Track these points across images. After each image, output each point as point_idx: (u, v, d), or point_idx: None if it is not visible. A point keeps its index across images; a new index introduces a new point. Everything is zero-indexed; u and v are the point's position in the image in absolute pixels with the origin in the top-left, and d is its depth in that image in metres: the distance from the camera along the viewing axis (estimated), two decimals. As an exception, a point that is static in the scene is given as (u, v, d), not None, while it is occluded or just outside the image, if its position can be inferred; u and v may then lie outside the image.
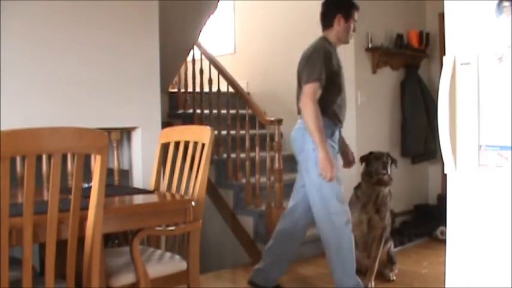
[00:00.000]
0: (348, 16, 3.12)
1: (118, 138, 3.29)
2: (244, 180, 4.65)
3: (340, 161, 3.37)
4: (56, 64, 3.12)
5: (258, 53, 5.93)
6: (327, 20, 3.15)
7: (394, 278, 3.70)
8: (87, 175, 2.04)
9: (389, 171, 3.68)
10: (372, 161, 3.70)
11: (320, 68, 2.98)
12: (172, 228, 2.43)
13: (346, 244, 3.06)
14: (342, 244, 3.05)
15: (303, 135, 3.06)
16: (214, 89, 5.14)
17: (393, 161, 3.76)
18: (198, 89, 5.33)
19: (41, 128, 1.74)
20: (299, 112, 3.16)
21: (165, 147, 2.81)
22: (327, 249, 3.13)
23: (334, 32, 3.14)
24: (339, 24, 3.11)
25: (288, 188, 4.74)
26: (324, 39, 3.15)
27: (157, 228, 2.41)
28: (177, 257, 2.51)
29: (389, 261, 3.76)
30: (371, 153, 3.78)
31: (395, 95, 5.31)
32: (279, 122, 4.36)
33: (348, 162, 3.45)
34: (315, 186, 3.05)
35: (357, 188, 3.78)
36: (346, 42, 3.23)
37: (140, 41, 3.48)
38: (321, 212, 3.07)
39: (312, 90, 2.95)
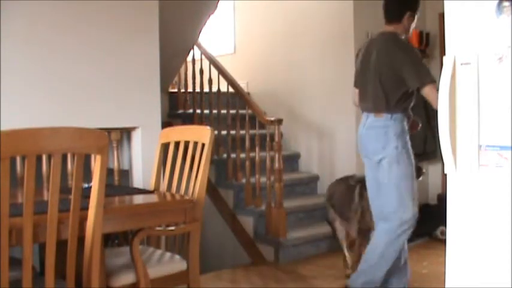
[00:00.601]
0: (414, 12, 3.14)
1: (118, 138, 3.29)
2: (244, 180, 4.65)
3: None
4: (56, 64, 3.12)
5: (258, 53, 5.93)
6: (396, 15, 3.13)
7: None
8: (87, 175, 2.04)
9: None
10: None
11: (426, 66, 2.97)
12: (172, 228, 2.43)
13: (397, 245, 3.06)
14: (393, 244, 3.04)
15: (386, 133, 3.00)
16: (214, 89, 5.14)
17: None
18: (198, 89, 5.33)
19: (41, 128, 1.74)
20: (370, 110, 3.10)
21: (165, 147, 2.81)
22: (376, 242, 3.10)
23: (402, 27, 3.12)
24: (407, 20, 3.11)
25: (288, 188, 4.77)
26: (396, 34, 3.09)
27: (157, 228, 2.42)
28: (177, 257, 2.51)
29: None
30: None
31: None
32: (279, 122, 4.37)
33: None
34: (394, 185, 3.02)
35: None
36: (408, 34, 3.25)
37: (140, 41, 3.48)
38: (393, 209, 3.04)
39: (435, 89, 2.86)
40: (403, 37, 3.13)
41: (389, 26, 3.12)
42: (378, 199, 3.17)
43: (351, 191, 3.68)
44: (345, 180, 3.84)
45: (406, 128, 3.06)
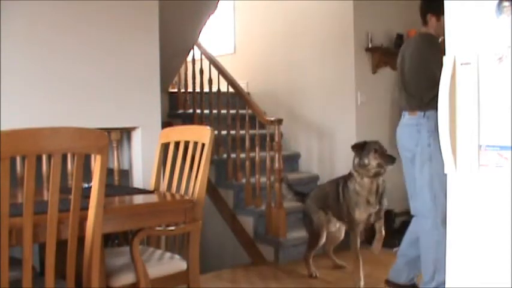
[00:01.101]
0: (439, 14, 3.10)
1: (118, 138, 3.30)
2: (244, 180, 4.65)
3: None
4: (56, 64, 3.12)
5: (258, 53, 5.93)
6: (422, 17, 3.19)
7: None
8: (87, 175, 2.04)
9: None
10: (370, 153, 3.51)
11: None
12: (172, 228, 2.43)
13: (444, 241, 3.03)
14: (441, 241, 2.99)
15: (419, 130, 3.05)
16: (214, 89, 5.14)
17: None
18: (198, 89, 5.33)
19: (41, 128, 1.74)
20: (405, 108, 3.15)
21: (165, 147, 2.81)
22: (424, 245, 3.08)
23: (432, 28, 3.15)
24: (432, 21, 3.14)
25: (288, 188, 4.76)
26: (428, 34, 3.14)
27: (157, 228, 2.41)
28: (177, 257, 2.51)
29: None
30: (366, 142, 3.59)
31: (395, 95, 5.30)
32: (279, 122, 4.37)
33: None
34: (426, 182, 3.03)
35: (347, 183, 3.66)
36: (441, 36, 3.23)
37: (140, 41, 3.48)
38: (427, 207, 3.03)
39: None
40: (439, 39, 3.13)
41: (423, 27, 3.20)
42: (414, 196, 3.19)
43: (337, 188, 3.76)
44: (331, 182, 3.93)
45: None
